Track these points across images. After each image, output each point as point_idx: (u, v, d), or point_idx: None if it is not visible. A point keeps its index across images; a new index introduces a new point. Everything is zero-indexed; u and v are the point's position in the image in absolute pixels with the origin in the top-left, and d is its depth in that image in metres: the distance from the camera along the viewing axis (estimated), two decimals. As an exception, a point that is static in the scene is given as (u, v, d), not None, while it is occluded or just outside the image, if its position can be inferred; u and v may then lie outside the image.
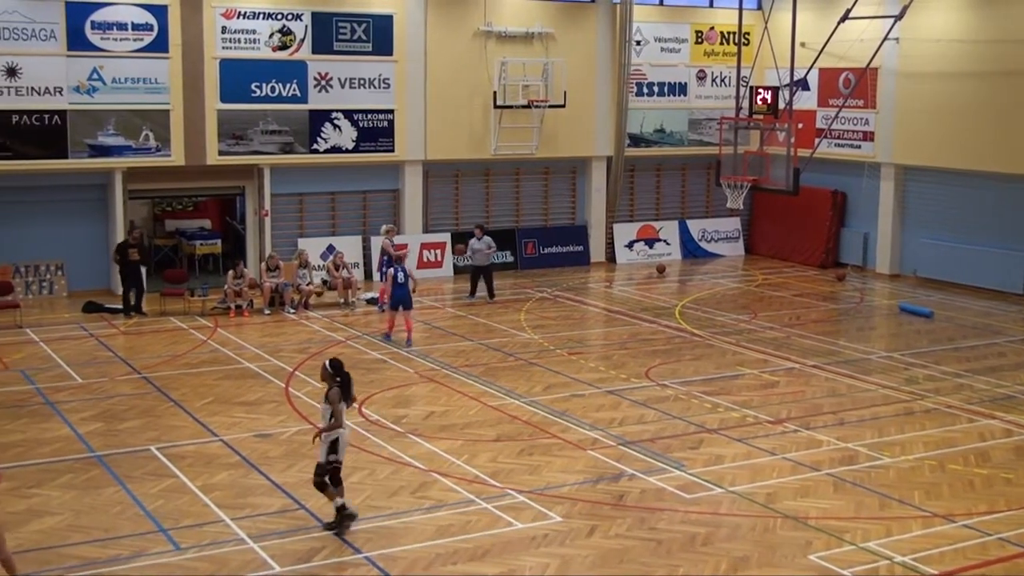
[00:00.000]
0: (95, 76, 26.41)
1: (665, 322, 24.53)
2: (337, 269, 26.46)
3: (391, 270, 22.56)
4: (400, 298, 22.13)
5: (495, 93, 30.36)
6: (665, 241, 33.73)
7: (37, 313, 24.89)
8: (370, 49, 29.26)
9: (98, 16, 26.31)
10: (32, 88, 25.84)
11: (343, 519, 12.78)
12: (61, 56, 26.02)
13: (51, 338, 22.44)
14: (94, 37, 26.30)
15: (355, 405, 14.78)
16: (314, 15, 28.53)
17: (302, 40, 28.48)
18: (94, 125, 26.52)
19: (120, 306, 24.96)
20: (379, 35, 29.27)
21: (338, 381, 12.91)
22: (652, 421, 17.29)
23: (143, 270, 25.59)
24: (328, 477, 12.84)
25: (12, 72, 25.60)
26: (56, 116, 26.10)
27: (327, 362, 13.12)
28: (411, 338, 22.15)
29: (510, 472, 14.87)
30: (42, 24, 25.80)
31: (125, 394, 18.55)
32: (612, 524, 13.17)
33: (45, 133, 26.03)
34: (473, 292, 26.65)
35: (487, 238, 26.58)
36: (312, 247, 28.15)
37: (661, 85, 33.23)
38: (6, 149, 25.73)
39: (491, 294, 26.50)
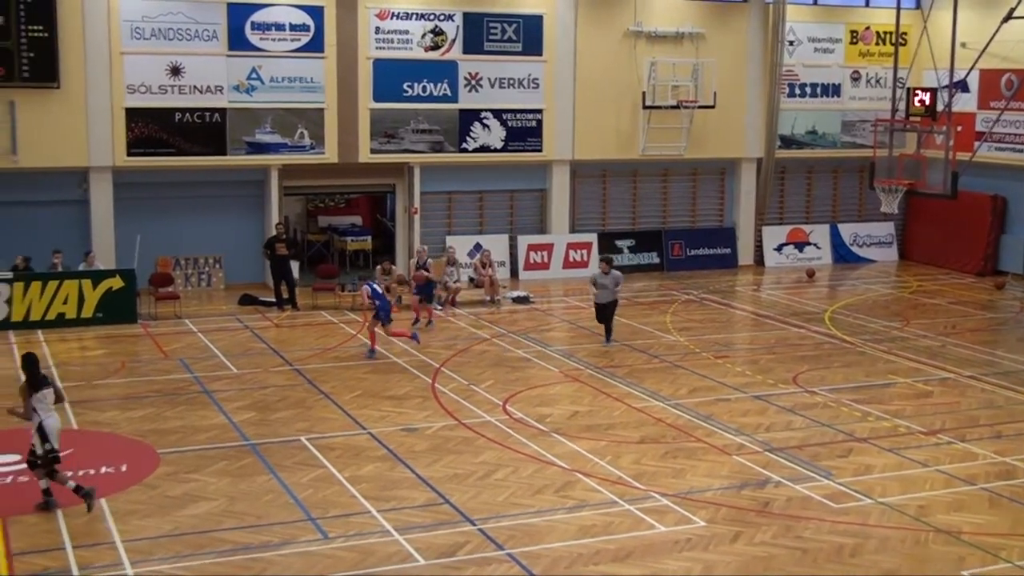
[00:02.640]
0: (254, 75, 27.16)
1: (814, 327, 24.08)
2: (484, 267, 26.69)
3: (366, 287, 21.64)
4: (383, 309, 21.23)
5: (644, 93, 30.24)
6: (815, 245, 33.12)
7: (195, 305, 25.72)
8: (520, 49, 29.43)
9: (258, 17, 27.04)
10: (194, 87, 26.71)
11: (48, 503, 13.24)
12: (222, 56, 26.84)
13: (208, 329, 23.16)
14: (254, 37, 27.05)
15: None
16: (465, 16, 28.82)
17: (453, 40, 28.80)
18: (252, 123, 27.27)
19: (273, 299, 25.62)
20: (529, 35, 29.42)
21: (29, 374, 13.42)
22: (799, 428, 16.99)
23: (293, 265, 26.20)
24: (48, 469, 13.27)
25: (176, 71, 26.49)
26: (216, 114, 26.94)
27: (22, 355, 13.88)
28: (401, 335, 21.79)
29: (654, 475, 14.80)
30: (205, 25, 26.63)
31: (277, 385, 19.04)
32: (757, 531, 13.00)
33: (206, 130, 26.89)
34: (608, 335, 22.48)
35: (615, 273, 22.49)
36: (460, 245, 28.47)
37: (814, 86, 32.64)
38: (169, 146, 26.65)
39: (608, 335, 22.45)
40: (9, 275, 23.17)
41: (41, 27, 25.20)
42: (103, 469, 14.66)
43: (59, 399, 13.81)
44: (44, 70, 25.37)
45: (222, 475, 14.50)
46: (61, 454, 13.39)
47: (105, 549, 12.11)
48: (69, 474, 13.62)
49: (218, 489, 13.99)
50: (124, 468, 14.75)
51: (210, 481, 14.28)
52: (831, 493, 14.24)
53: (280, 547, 12.27)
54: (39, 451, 13.27)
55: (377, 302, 21.16)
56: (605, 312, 22.41)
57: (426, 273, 24.16)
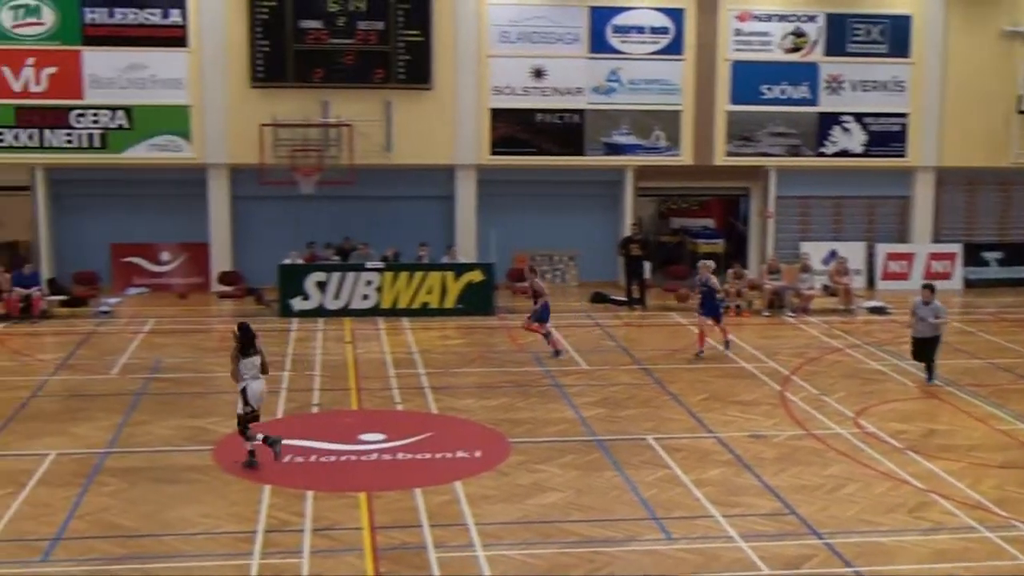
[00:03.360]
0: (613, 77, 27.64)
1: None
2: (839, 275, 25.96)
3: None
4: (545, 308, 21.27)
5: (1020, 97, 28.47)
6: None
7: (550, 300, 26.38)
8: (885, 51, 28.47)
9: (619, 20, 27.50)
10: (555, 88, 27.49)
11: (250, 462, 14.39)
12: (583, 58, 27.47)
13: (561, 324, 23.73)
14: (614, 40, 27.52)
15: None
16: (829, 16, 28.16)
17: (815, 42, 28.20)
18: (609, 124, 27.77)
19: (624, 298, 25.97)
20: (895, 36, 28.40)
21: (241, 342, 14.49)
22: None
23: (645, 265, 26.45)
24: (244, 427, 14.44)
25: (539, 73, 27.36)
26: (575, 115, 27.60)
27: (237, 324, 14.79)
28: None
29: (1017, 502, 13.90)
30: (568, 28, 27.36)
31: (625, 383, 19.29)
32: None
33: (565, 131, 27.63)
34: (931, 374, 19.42)
35: (937, 304, 19.16)
36: (814, 251, 27.82)
37: None
38: (530, 145, 27.56)
39: (930, 374, 19.39)
40: (380, 265, 24.70)
41: (417, 32, 26.69)
42: (458, 454, 15.32)
43: (264, 370, 14.74)
44: (418, 72, 26.86)
45: (570, 468, 14.83)
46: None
47: (459, 530, 12.66)
48: (260, 435, 14.54)
49: (565, 481, 14.32)
50: (478, 455, 15.36)
51: (558, 473, 14.63)
52: None
53: (624, 543, 12.42)
54: (240, 411, 14.41)
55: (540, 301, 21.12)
56: (924, 349, 19.39)
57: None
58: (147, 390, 18.51)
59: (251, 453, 14.51)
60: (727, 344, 21.25)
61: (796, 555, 12.15)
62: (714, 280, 21.29)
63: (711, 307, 21.25)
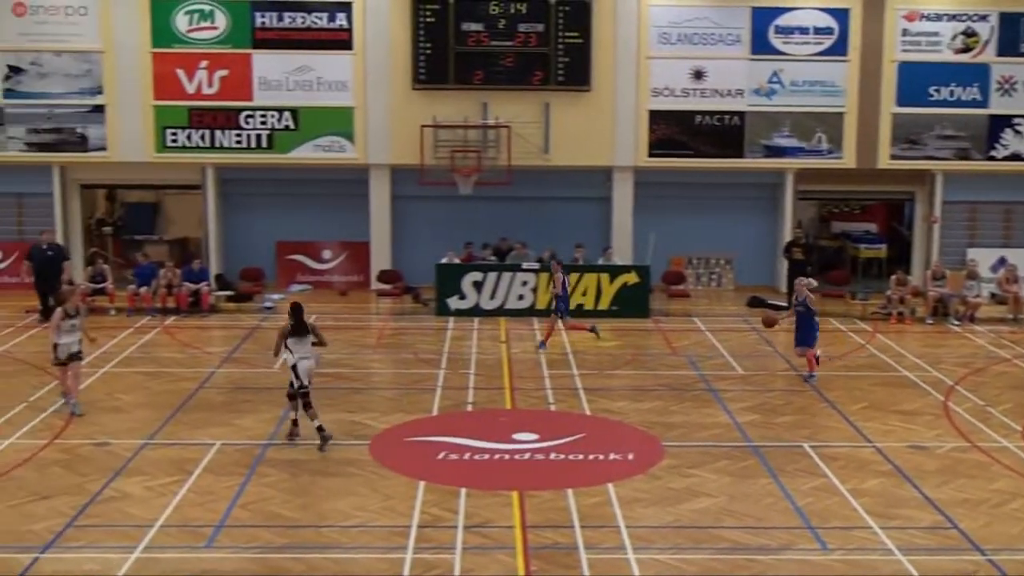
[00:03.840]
0: (774, 79, 27.24)
1: None
2: (1008, 283, 25.07)
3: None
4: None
5: None
6: None
7: (705, 303, 26.25)
8: (1063, 50, 27.39)
9: (782, 21, 27.09)
10: (715, 90, 27.23)
11: (322, 439, 15.28)
12: (744, 60, 27.15)
13: (716, 328, 23.54)
14: (776, 41, 27.13)
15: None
16: (1001, 16, 27.24)
17: (986, 42, 27.28)
18: (770, 126, 27.39)
19: (785, 304, 25.53)
20: (1073, 35, 27.31)
21: (293, 322, 15.51)
22: None
23: (807, 270, 25.98)
24: (302, 402, 15.49)
25: (699, 75, 27.14)
26: (735, 117, 27.30)
27: (291, 304, 15.75)
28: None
29: None
30: (729, 29, 27.07)
31: (781, 389, 19.00)
32: None
33: (724, 133, 27.36)
34: None
35: None
36: (982, 258, 26.91)
37: None
38: (688, 147, 27.38)
39: None
40: (536, 266, 24.85)
41: (576, 34, 26.75)
42: (611, 456, 15.31)
43: (322, 342, 15.91)
44: (577, 74, 26.92)
45: (723, 473, 14.68)
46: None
47: (610, 532, 12.65)
48: (319, 419, 15.44)
49: (719, 487, 14.18)
50: (631, 457, 15.33)
51: (711, 478, 14.50)
52: None
53: (778, 552, 12.24)
54: (295, 385, 15.47)
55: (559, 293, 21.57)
56: None
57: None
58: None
59: (295, 423, 15.75)
60: (809, 376, 19.44)
61: (957, 571, 11.79)
62: (811, 298, 19.79)
63: (807, 330, 19.52)
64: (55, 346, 16.84)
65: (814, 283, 20.83)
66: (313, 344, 15.67)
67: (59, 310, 16.98)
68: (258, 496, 13.60)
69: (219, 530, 12.56)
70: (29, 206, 27.97)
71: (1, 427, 16.29)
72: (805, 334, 19.69)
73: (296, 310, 15.63)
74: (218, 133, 27.32)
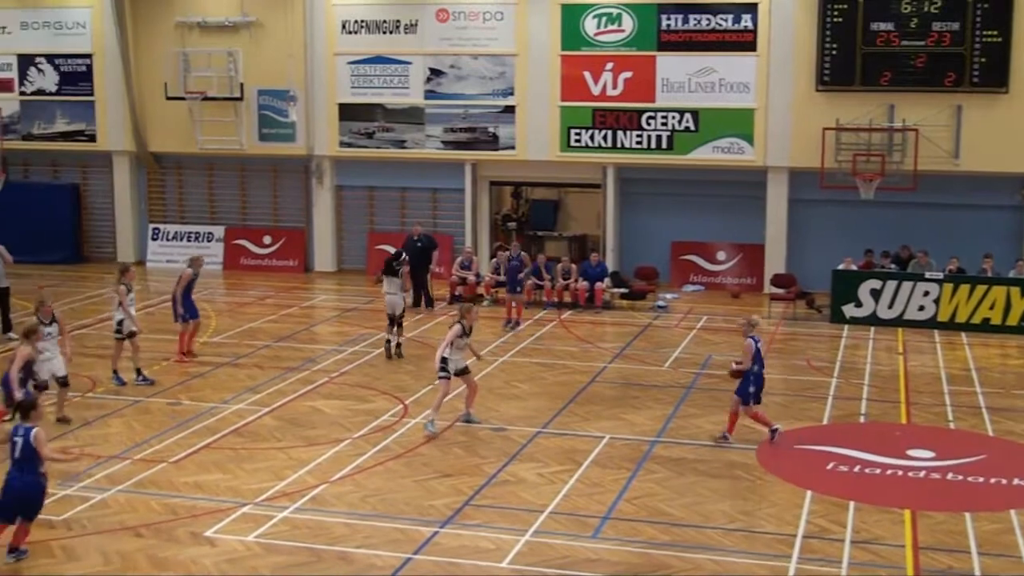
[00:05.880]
0: None
1: None
2: None
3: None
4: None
5: None
6: None
7: None
8: None
9: None
10: None
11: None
12: None
13: None
14: None
15: None
16: None
17: None
18: None
19: None
20: None
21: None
22: None
23: None
24: None
25: None
26: None
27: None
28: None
29: None
30: None
31: None
32: None
33: None
34: None
35: None
36: None
37: None
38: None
39: None
40: (940, 276, 23.72)
41: (996, 32, 25.28)
42: (1015, 481, 14.42)
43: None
44: (994, 75, 25.45)
45: None
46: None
47: (1012, 562, 11.95)
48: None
49: None
50: (1037, 484, 14.41)
51: None
52: None
53: None
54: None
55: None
56: None
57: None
58: (697, 385, 19.13)
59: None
60: None
61: None
62: None
63: None
64: (442, 360, 16.20)
65: None
66: None
67: (456, 325, 16.36)
68: (644, 491, 13.86)
69: (605, 521, 12.92)
70: (443, 200, 29.83)
71: (414, 409, 17.48)
72: None
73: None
74: (620, 133, 27.93)
